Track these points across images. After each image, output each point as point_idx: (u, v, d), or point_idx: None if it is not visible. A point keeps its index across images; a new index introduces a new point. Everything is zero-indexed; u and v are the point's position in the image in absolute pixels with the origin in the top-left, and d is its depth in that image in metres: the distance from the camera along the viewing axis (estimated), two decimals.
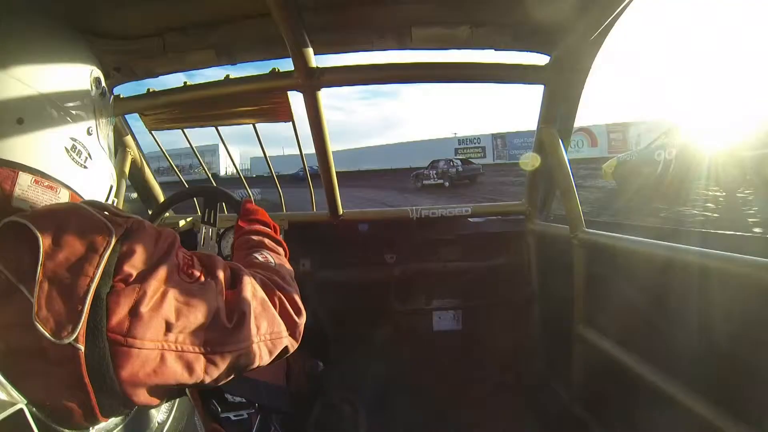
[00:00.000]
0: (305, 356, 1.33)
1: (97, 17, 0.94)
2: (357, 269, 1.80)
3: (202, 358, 0.47)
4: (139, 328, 0.42)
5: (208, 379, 0.48)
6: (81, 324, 0.40)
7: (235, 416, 0.87)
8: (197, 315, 0.46)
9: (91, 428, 0.44)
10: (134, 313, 0.42)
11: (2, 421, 0.36)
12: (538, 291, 1.64)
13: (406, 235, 1.82)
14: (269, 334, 0.54)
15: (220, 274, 0.52)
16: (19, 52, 0.52)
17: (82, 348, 0.40)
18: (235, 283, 0.53)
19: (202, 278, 0.50)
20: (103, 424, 0.45)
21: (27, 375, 0.40)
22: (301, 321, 0.60)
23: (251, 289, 0.54)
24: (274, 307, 0.56)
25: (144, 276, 0.44)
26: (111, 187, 0.65)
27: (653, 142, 8.99)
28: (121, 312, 0.42)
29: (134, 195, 1.77)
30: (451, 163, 17.73)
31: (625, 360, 1.04)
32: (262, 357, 0.54)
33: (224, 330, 0.48)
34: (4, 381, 0.38)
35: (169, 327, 0.44)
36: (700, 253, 0.82)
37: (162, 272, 0.46)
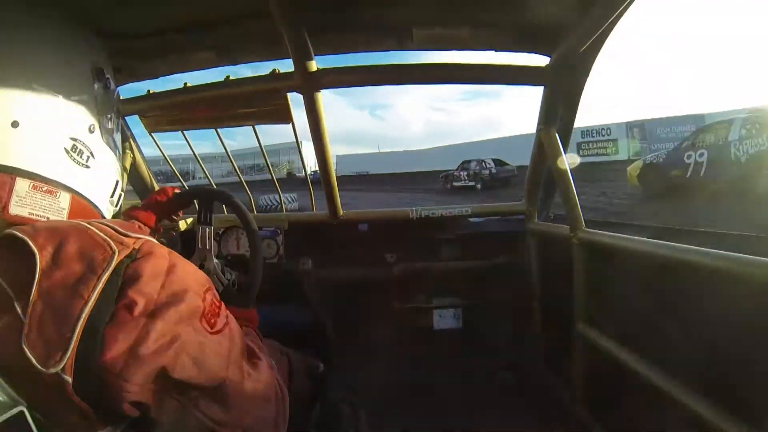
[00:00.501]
0: (305, 356, 1.32)
1: (97, 17, 0.94)
2: (357, 269, 1.80)
3: (192, 414, 0.44)
4: (134, 372, 0.39)
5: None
6: (69, 354, 0.37)
7: None
8: (203, 377, 0.43)
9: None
10: (133, 353, 0.39)
11: (3, 423, 0.36)
12: (538, 290, 1.64)
13: (407, 235, 1.82)
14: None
15: (238, 341, 0.49)
16: (12, 51, 0.49)
17: (70, 380, 0.37)
18: (255, 366, 0.51)
19: (224, 331, 0.47)
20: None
21: (23, 385, 0.38)
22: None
23: (269, 380, 0.52)
24: (276, 411, 0.55)
25: (154, 312, 0.41)
26: (117, 183, 0.63)
27: (683, 143, 8.53)
28: (119, 348, 0.39)
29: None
30: (484, 164, 16.87)
31: (625, 359, 1.04)
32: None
33: (225, 405, 0.46)
34: (4, 384, 0.38)
35: (166, 378, 0.41)
36: (700, 253, 0.82)
37: (176, 312, 0.42)
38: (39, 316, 0.37)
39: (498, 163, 17.07)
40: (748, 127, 7.30)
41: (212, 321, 0.46)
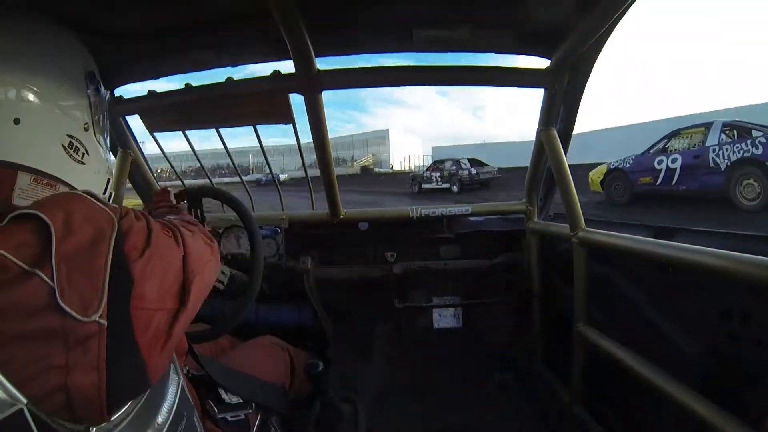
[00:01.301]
0: (305, 355, 1.33)
1: (97, 17, 0.94)
2: (357, 267, 1.81)
3: (181, 305, 0.53)
4: (149, 293, 0.48)
5: (191, 307, 0.55)
6: (104, 300, 0.43)
7: (232, 417, 0.86)
8: (176, 267, 0.54)
9: (92, 428, 0.44)
10: (146, 279, 0.47)
11: (2, 421, 0.36)
12: (538, 290, 1.64)
13: (407, 234, 1.83)
14: (205, 265, 0.63)
15: (184, 227, 0.61)
16: (14, 52, 0.52)
17: (106, 323, 0.43)
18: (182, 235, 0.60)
19: (171, 234, 0.57)
20: (103, 426, 0.45)
21: (39, 361, 0.40)
22: (215, 246, 0.72)
23: (190, 236, 0.61)
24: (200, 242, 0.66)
25: (144, 249, 0.49)
26: (108, 180, 0.67)
27: (654, 147, 7.87)
28: (138, 281, 0.46)
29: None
30: (460, 164, 14.96)
31: (625, 359, 1.04)
32: (204, 280, 0.63)
33: (189, 276, 0.56)
34: (4, 381, 0.38)
35: (164, 283, 0.51)
36: (700, 252, 0.82)
37: (153, 241, 0.51)
38: (67, 276, 0.41)
39: (476, 163, 15.37)
40: (728, 131, 6.75)
41: (166, 231, 0.57)
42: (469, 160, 15.44)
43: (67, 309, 0.40)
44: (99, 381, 0.42)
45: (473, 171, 14.73)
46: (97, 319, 0.42)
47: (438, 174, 15.56)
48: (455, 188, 14.71)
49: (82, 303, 0.42)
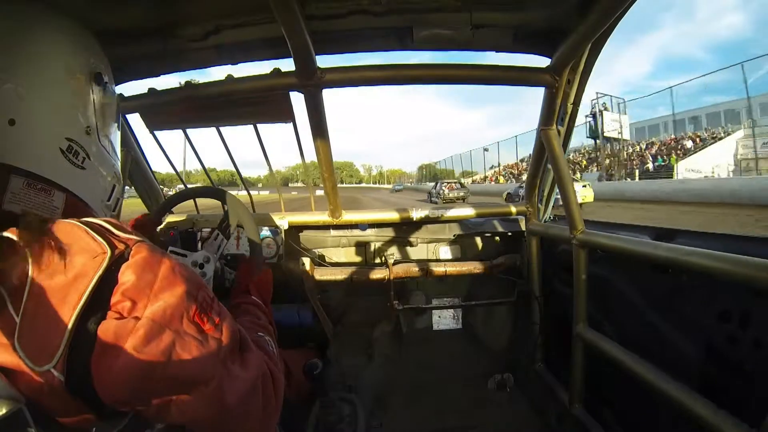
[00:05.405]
0: (305, 356, 1.32)
1: (98, 15, 0.94)
2: (357, 269, 1.80)
3: (174, 409, 0.44)
4: (124, 367, 0.40)
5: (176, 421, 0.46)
6: (60, 352, 0.38)
7: None
8: (190, 376, 0.43)
9: (92, 428, 0.44)
10: (122, 351, 0.40)
11: (2, 420, 0.36)
12: (538, 291, 1.64)
13: (407, 235, 1.82)
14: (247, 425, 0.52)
15: (230, 338, 0.49)
16: (11, 50, 0.50)
17: (62, 378, 0.38)
18: (245, 361, 0.51)
19: (212, 333, 0.47)
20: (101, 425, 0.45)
21: (19, 384, 0.39)
22: (275, 420, 0.57)
23: (259, 379, 0.51)
24: (265, 401, 0.54)
25: (144, 313, 0.41)
26: (114, 187, 0.63)
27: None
28: (109, 347, 0.39)
29: None
30: (441, 185, 23.62)
31: (624, 360, 1.04)
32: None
33: (214, 403, 0.46)
34: (4, 381, 0.38)
35: (154, 373, 0.41)
36: (700, 254, 0.82)
37: (166, 313, 0.42)
38: (31, 316, 0.38)
39: (460, 184, 24.54)
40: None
41: (203, 320, 0.46)
42: (459, 183, 24.92)
43: (20, 352, 0.37)
44: (79, 407, 0.40)
45: (446, 190, 22.72)
46: (51, 370, 0.38)
47: (434, 190, 24.01)
48: (438, 201, 21.48)
49: (37, 350, 0.38)
